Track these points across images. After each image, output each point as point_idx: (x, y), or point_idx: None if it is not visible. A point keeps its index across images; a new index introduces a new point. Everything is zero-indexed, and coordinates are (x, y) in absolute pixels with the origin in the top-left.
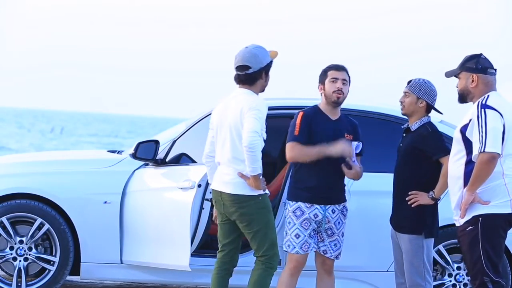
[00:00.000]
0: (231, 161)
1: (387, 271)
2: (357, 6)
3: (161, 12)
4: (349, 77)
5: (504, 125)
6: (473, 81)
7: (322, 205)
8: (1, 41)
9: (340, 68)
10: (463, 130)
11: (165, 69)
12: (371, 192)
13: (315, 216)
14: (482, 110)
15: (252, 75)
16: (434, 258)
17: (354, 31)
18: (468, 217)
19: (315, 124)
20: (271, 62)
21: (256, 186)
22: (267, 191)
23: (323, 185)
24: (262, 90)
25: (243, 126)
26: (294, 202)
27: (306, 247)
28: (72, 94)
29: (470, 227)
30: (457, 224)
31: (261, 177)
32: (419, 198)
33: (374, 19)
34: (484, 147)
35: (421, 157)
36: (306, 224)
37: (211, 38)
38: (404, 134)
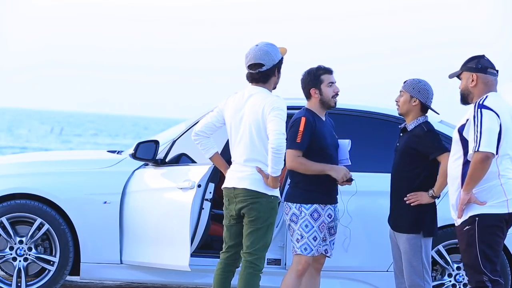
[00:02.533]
0: (247, 161)
1: (387, 271)
2: (356, 5)
3: (161, 12)
4: None
5: (500, 126)
6: (473, 80)
7: (333, 205)
8: (2, 40)
9: (331, 71)
10: (461, 130)
11: (165, 69)
12: (371, 192)
13: (329, 216)
14: (479, 110)
15: (266, 72)
16: (434, 258)
17: (354, 30)
18: (465, 217)
19: (319, 130)
20: (282, 58)
21: (273, 185)
22: (279, 196)
23: (335, 185)
24: (274, 87)
25: (268, 126)
26: (310, 205)
27: (320, 248)
28: (72, 94)
29: (467, 227)
30: (456, 224)
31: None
32: (419, 197)
33: (374, 19)
34: (479, 146)
35: (417, 156)
36: (322, 227)
37: (211, 38)
38: (401, 134)
